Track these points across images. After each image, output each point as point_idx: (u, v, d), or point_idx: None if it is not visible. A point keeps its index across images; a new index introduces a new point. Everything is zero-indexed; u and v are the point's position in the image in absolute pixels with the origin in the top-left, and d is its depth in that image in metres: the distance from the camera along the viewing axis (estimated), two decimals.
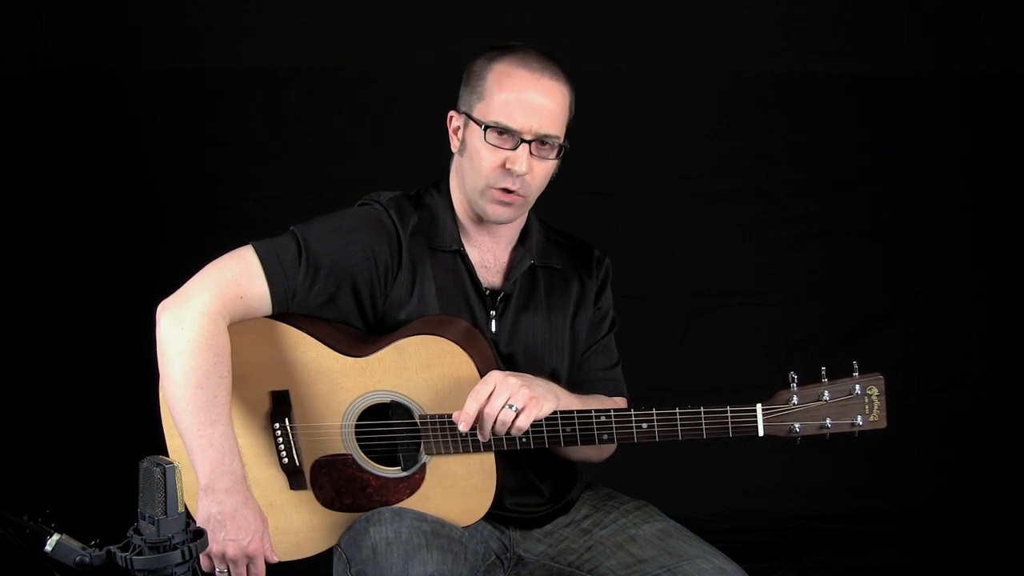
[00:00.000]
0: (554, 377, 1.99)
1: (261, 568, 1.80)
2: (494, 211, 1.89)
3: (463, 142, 1.91)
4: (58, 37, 3.13)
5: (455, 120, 1.93)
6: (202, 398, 1.74)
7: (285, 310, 1.85)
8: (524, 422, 1.76)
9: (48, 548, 1.39)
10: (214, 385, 1.75)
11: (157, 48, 3.19)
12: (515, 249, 2.00)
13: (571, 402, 1.90)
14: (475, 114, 1.86)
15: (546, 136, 1.84)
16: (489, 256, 1.98)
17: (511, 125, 1.82)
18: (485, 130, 1.83)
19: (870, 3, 3.36)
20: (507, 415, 1.75)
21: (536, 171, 1.86)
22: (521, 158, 1.83)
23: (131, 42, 3.18)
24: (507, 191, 1.85)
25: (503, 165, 1.84)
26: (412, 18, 3.22)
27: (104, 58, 3.17)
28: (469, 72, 1.90)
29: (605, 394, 2.07)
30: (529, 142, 1.83)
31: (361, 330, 1.92)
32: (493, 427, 1.76)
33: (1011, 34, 3.36)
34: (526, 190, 1.87)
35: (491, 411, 1.75)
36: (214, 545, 1.74)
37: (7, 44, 3.11)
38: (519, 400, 1.75)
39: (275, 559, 1.82)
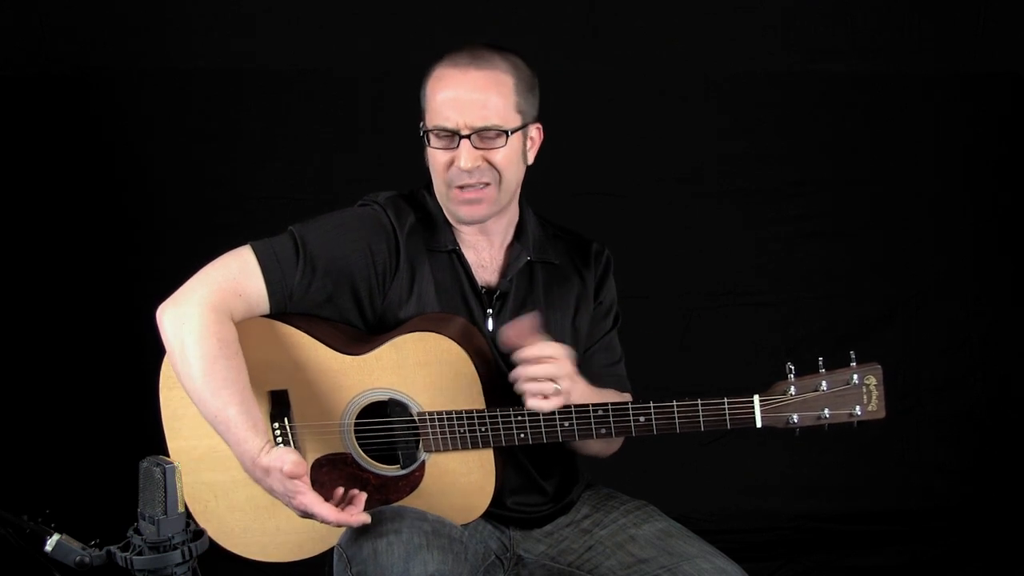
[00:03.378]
0: None
1: (314, 504, 1.73)
2: (466, 212, 1.90)
3: (426, 152, 1.93)
4: (57, 38, 3.13)
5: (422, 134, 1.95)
6: (212, 385, 1.75)
7: (283, 309, 1.85)
8: (546, 406, 1.77)
9: (48, 548, 1.39)
10: (223, 368, 1.75)
11: (155, 49, 3.19)
12: (511, 246, 2.00)
13: (588, 395, 1.90)
14: (425, 123, 1.90)
15: (483, 128, 1.84)
16: (485, 255, 1.98)
17: (446, 125, 1.84)
18: (425, 136, 1.88)
19: (870, 3, 3.35)
20: (546, 387, 1.76)
21: (495, 159, 1.86)
22: (462, 154, 1.84)
23: (129, 43, 3.18)
24: (466, 188, 1.86)
25: (452, 164, 1.86)
26: (410, 18, 3.22)
27: (102, 59, 3.17)
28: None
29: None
30: (467, 136, 1.83)
31: (361, 329, 1.92)
32: (526, 385, 1.76)
33: (1011, 34, 3.36)
34: (491, 177, 1.87)
35: (539, 372, 1.76)
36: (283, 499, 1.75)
37: (6, 44, 3.11)
38: (563, 384, 1.77)
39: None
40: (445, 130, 1.85)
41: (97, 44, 3.16)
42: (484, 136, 1.85)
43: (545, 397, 1.78)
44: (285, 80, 3.25)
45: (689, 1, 3.33)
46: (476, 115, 1.83)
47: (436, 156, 1.88)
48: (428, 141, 1.89)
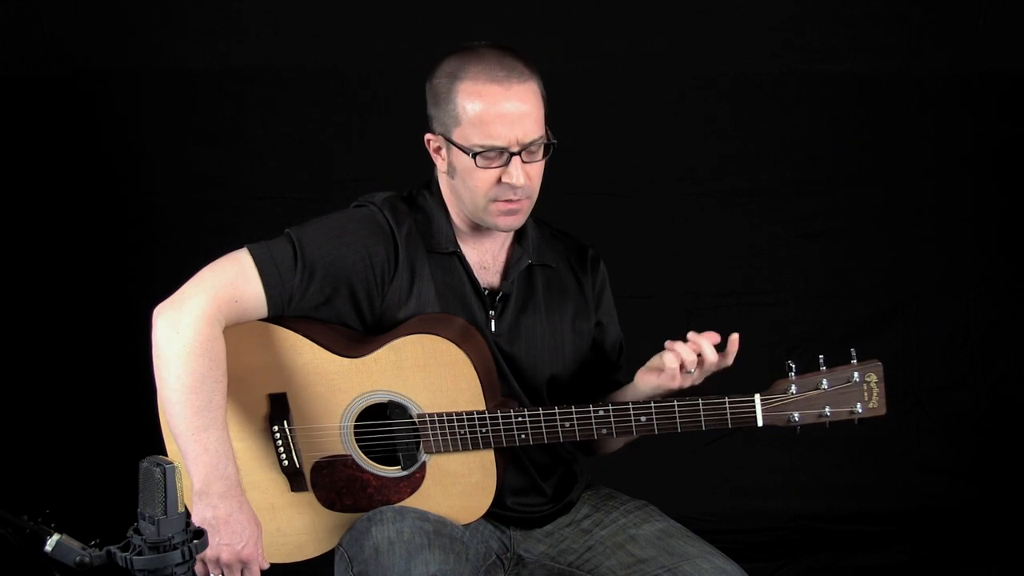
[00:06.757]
0: (554, 378, 1.99)
1: (256, 573, 1.79)
2: (505, 222, 1.89)
3: (450, 165, 1.89)
4: (57, 39, 3.13)
5: (434, 142, 1.91)
6: (197, 403, 1.74)
7: (282, 313, 1.84)
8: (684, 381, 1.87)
9: (48, 548, 1.39)
10: (209, 390, 1.75)
11: (155, 49, 3.19)
12: (512, 248, 2.00)
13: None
14: (456, 138, 1.84)
15: (530, 143, 1.82)
16: (487, 256, 1.98)
17: (497, 143, 1.80)
18: (474, 156, 1.82)
19: (870, 3, 3.36)
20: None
21: (532, 174, 1.86)
22: (515, 171, 1.81)
23: (128, 43, 3.18)
24: (510, 201, 1.85)
25: (499, 180, 1.83)
26: (410, 18, 3.22)
27: (102, 59, 3.17)
28: (433, 92, 1.86)
29: None
30: (518, 152, 1.82)
31: (359, 331, 1.91)
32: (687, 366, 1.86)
33: (1011, 34, 3.36)
34: (529, 194, 1.87)
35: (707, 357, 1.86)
36: (208, 550, 1.73)
37: (6, 44, 3.11)
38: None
39: (266, 565, 1.82)
40: (494, 148, 1.81)
41: (97, 45, 3.16)
42: (530, 150, 1.83)
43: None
44: (285, 80, 3.25)
45: (689, 1, 3.33)
46: (525, 130, 1.80)
47: (480, 174, 1.83)
48: (475, 161, 1.81)
